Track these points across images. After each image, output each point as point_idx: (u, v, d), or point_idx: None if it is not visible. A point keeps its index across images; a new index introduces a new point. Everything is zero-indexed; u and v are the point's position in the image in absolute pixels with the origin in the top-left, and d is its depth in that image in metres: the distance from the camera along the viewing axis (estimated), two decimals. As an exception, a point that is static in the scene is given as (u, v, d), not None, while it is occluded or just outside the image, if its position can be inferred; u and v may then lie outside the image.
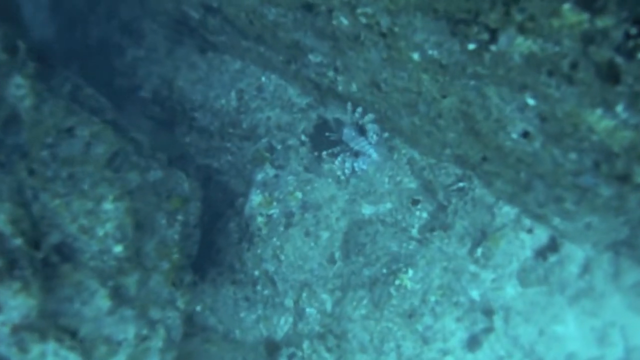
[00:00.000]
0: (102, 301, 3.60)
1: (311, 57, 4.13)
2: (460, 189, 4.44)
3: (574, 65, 2.73)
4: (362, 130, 4.33)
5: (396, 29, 3.21)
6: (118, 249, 3.67)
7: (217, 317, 4.91)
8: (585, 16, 2.51)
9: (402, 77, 3.58)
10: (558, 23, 2.59)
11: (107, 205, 3.65)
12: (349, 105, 4.15)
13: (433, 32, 3.08)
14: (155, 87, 5.52)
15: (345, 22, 3.47)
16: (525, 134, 3.42)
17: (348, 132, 4.32)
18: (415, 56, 3.32)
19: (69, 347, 3.49)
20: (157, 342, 3.81)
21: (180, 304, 4.20)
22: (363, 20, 3.31)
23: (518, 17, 2.70)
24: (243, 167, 5.05)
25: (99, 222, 3.60)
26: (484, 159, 4.01)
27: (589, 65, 2.69)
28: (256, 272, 4.77)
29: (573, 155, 3.37)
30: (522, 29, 2.73)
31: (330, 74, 4.15)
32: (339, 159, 4.46)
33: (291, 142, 4.72)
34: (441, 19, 2.96)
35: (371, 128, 4.21)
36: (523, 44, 2.79)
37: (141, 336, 3.68)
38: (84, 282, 3.58)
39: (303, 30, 3.90)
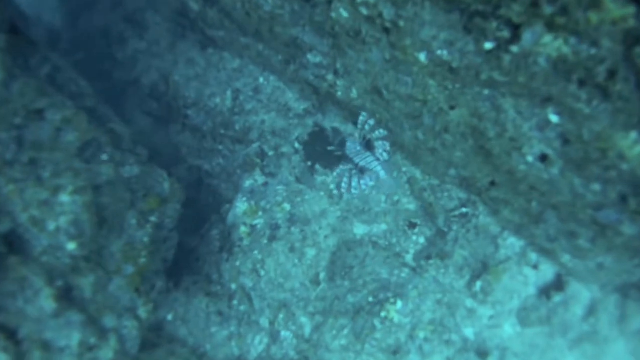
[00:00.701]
0: (47, 302, 3.02)
1: (310, 57, 3.59)
2: (463, 215, 3.82)
3: (611, 74, 2.12)
4: (368, 145, 3.62)
5: (401, 23, 2.64)
6: (71, 246, 3.11)
7: (188, 328, 4.32)
8: (631, 9, 1.92)
9: (406, 82, 3.00)
10: (597, 18, 1.99)
11: (64, 198, 3.10)
12: (362, 117, 3.40)
13: (443, 28, 2.51)
14: (154, 81, 5.02)
15: (345, 14, 2.91)
16: (544, 158, 2.82)
17: (352, 146, 3.56)
18: (422, 57, 2.74)
19: (2, 348, 2.93)
20: (107, 353, 3.22)
21: (142, 313, 3.61)
22: (364, 11, 2.75)
23: (547, 10, 2.11)
24: (234, 172, 4.51)
25: (51, 214, 3.05)
26: (493, 183, 3.40)
27: (630, 75, 2.09)
28: (233, 286, 4.17)
29: (596, 186, 2.76)
30: (551, 25, 2.14)
31: (330, 77, 3.60)
32: (343, 175, 3.64)
33: (285, 149, 4.16)
34: (454, 10, 2.38)
35: (380, 145, 3.45)
36: (551, 45, 2.20)
37: (87, 345, 3.09)
38: (29, 279, 3.02)
39: (301, 25, 3.36)
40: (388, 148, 3.46)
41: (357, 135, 3.57)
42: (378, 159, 3.43)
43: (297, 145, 4.01)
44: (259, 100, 4.26)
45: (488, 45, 2.39)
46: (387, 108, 3.41)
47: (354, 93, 3.55)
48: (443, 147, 3.36)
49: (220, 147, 4.51)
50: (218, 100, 4.42)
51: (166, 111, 4.92)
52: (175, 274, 4.43)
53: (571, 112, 2.42)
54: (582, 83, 2.24)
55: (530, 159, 2.85)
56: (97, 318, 3.25)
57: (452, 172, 3.59)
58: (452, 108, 2.93)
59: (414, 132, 3.42)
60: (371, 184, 3.52)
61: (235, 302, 4.17)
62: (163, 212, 4.02)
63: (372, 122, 3.38)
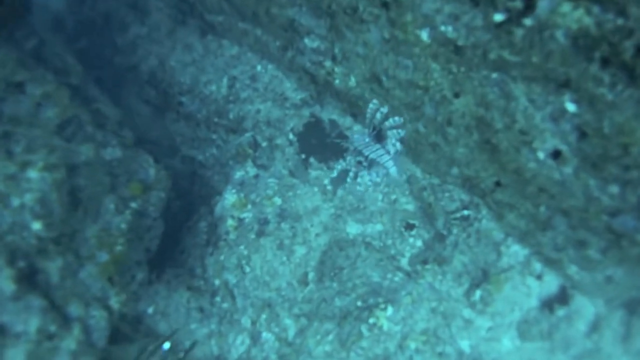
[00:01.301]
0: (5, 282, 2.68)
1: (307, 41, 3.24)
2: (465, 218, 3.43)
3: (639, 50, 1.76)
4: (378, 137, 2.98)
5: (403, -6, 2.30)
6: (37, 225, 2.77)
7: (168, 323, 3.95)
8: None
9: (407, 66, 2.64)
10: (629, -21, 1.63)
11: (32, 174, 2.77)
12: (372, 105, 2.70)
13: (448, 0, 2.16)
14: (152, 68, 4.70)
15: (343, -13, 2.58)
16: (556, 154, 2.42)
17: (359, 138, 2.94)
18: (424, 35, 2.38)
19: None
20: (69, 343, 2.86)
21: (114, 303, 3.25)
22: (363, -18, 2.42)
23: (569, -28, 1.76)
24: (226, 163, 4.16)
25: (17, 190, 2.71)
26: (498, 184, 3.01)
27: (665, 52, 1.72)
28: (217, 282, 3.81)
29: (614, 189, 2.36)
30: (573, -10, 1.79)
31: (328, 63, 3.25)
32: (348, 170, 3.00)
33: (279, 141, 3.82)
34: (462, -23, 2.04)
35: (394, 134, 2.78)
36: (571, 15, 1.82)
37: (46, 332, 2.74)
38: (-12, 258, 2.71)
39: (298, 5, 3.02)
40: (402, 135, 2.74)
41: (364, 125, 2.92)
42: (389, 152, 2.78)
43: (291, 136, 3.66)
44: (255, 89, 3.92)
45: (498, 18, 2.01)
46: (387, 97, 3.04)
47: (352, 81, 3.19)
48: (445, 141, 2.98)
49: (214, 137, 4.18)
50: (214, 87, 4.09)
51: (163, 99, 4.60)
52: (159, 265, 4.09)
53: (591, 100, 2.03)
54: (605, 62, 1.86)
55: (541, 155, 2.46)
56: (61, 305, 2.90)
57: (455, 170, 3.21)
58: (456, 95, 2.55)
59: (414, 125, 3.04)
60: (377, 179, 2.89)
61: (217, 299, 3.80)
62: (146, 200, 3.68)
63: (384, 109, 2.68)
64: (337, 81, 3.28)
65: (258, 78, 3.93)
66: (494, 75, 2.28)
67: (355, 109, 3.49)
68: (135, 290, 3.85)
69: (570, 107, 2.17)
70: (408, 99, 2.86)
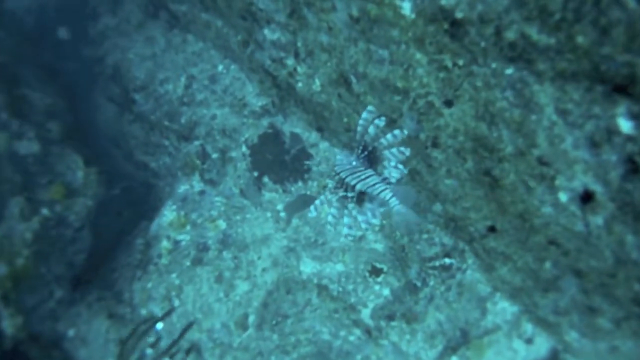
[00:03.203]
0: None
1: (267, 32, 2.30)
2: (445, 268, 2.44)
3: None
4: (372, 158, 1.79)
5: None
6: None
7: (88, 351, 2.94)
8: None
9: (382, 59, 1.69)
10: None
11: None
12: (366, 114, 1.67)
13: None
14: (117, 62, 3.77)
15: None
16: (586, 198, 1.45)
17: (343, 160, 1.78)
18: (406, 6, 1.45)
19: None
20: None
21: (7, 327, 2.27)
22: None
23: None
24: (175, 173, 3.21)
25: None
26: (492, 229, 2.03)
27: None
28: (144, 312, 2.81)
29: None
30: None
31: (290, 62, 2.30)
32: (330, 206, 1.77)
33: (233, 153, 2.87)
34: None
35: (394, 155, 1.70)
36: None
37: None
38: None
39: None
40: (407, 155, 1.67)
41: (358, 135, 1.72)
42: (388, 181, 1.69)
43: (244, 148, 2.71)
44: (213, 91, 2.99)
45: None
46: (357, 106, 2.10)
47: (317, 84, 2.24)
48: (428, 169, 2.02)
49: (166, 143, 3.23)
50: (170, 86, 3.16)
51: (125, 97, 3.67)
52: (86, 283, 3.09)
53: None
54: None
55: (563, 197, 1.50)
56: None
57: (437, 207, 2.23)
58: (447, 103, 1.60)
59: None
60: (375, 221, 1.72)
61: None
62: (68, 206, 2.70)
63: (381, 122, 1.64)
64: (299, 84, 2.33)
65: (218, 79, 2.99)
66: (509, 70, 1.32)
67: (321, 122, 2.54)
68: (53, 308, 2.87)
69: (625, 125, 1.21)
70: (383, 108, 1.91)
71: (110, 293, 2.94)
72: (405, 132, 1.64)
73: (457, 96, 1.53)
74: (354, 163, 1.73)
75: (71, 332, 2.98)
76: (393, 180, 1.65)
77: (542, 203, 1.59)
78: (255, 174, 2.63)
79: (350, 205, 1.71)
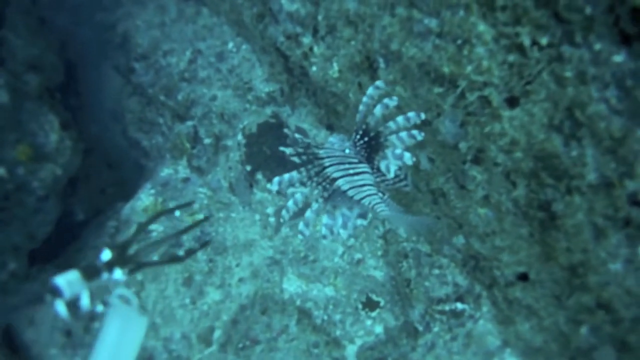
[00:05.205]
0: None
1: (284, 1, 1.85)
2: (455, 314, 1.91)
3: None
4: (371, 145, 1.23)
5: None
6: None
7: (36, 332, 2.43)
8: None
9: (427, 29, 1.21)
10: None
11: None
12: (372, 90, 1.15)
13: None
14: (127, 31, 3.32)
15: None
16: None
17: (335, 144, 1.27)
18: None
19: None
20: None
21: None
22: None
23: None
24: (164, 155, 2.73)
25: None
26: (524, 278, 1.51)
27: None
28: (99, 308, 2.31)
29: None
30: None
31: (306, 40, 1.82)
32: (307, 204, 1.22)
33: (229, 142, 2.38)
34: None
35: (398, 140, 1.16)
36: None
37: None
38: None
39: None
40: (417, 139, 1.14)
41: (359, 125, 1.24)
42: (384, 179, 1.22)
43: (240, 137, 2.21)
44: (218, 70, 2.50)
45: None
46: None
47: (334, 69, 1.75)
48: (460, 191, 1.51)
49: (161, 121, 2.75)
50: (174, 59, 2.69)
51: (126, 67, 3.21)
52: (46, 259, 2.59)
53: None
54: None
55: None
56: None
57: (459, 240, 1.71)
58: (511, 102, 1.09)
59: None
60: (342, 232, 1.22)
61: (95, 325, 2.29)
62: (32, 171, 2.22)
63: (392, 101, 1.14)
64: (314, 68, 1.84)
65: (226, 57, 2.51)
66: (618, 56, 0.81)
67: (333, 119, 2.04)
68: (4, 280, 2.37)
69: None
70: (415, 104, 1.40)
71: (66, 276, 2.43)
72: (423, 115, 1.13)
73: (528, 92, 1.02)
74: (347, 151, 1.24)
75: (21, 310, 2.50)
76: (389, 175, 1.16)
77: (611, 257, 1.07)
78: (248, 168, 2.13)
79: (321, 201, 1.20)
